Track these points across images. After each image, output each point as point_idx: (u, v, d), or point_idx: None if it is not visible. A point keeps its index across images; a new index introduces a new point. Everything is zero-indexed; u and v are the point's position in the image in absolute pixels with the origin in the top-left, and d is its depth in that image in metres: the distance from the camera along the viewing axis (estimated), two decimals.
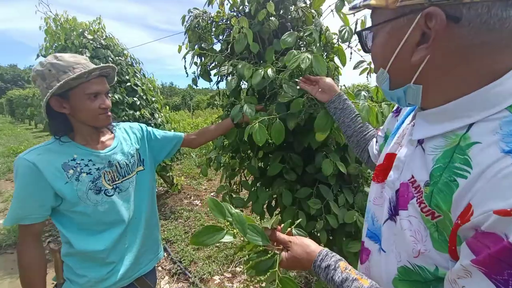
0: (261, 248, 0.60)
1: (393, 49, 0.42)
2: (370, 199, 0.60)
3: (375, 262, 0.54)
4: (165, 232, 2.73)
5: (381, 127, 0.75)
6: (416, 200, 0.42)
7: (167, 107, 3.68)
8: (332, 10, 0.98)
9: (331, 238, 1.27)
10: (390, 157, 0.55)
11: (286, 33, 0.97)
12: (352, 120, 0.83)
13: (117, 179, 0.93)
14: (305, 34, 0.99)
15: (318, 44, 0.98)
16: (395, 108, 0.67)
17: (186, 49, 1.44)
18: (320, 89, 0.89)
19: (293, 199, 1.18)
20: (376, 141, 0.74)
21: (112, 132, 1.00)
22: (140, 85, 2.92)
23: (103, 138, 0.95)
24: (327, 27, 1.04)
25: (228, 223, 0.56)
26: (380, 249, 0.52)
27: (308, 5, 1.14)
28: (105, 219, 0.89)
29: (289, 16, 1.13)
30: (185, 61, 1.25)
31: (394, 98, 0.48)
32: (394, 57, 0.42)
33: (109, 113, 0.90)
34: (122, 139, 0.99)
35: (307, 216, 1.16)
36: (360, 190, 1.25)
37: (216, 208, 0.57)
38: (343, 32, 0.96)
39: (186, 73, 1.26)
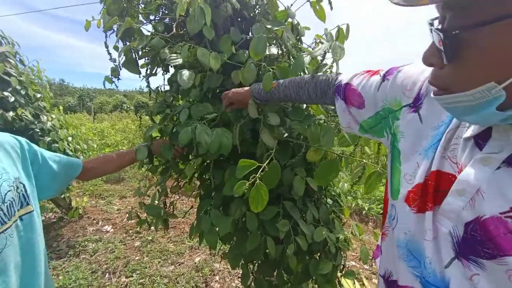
0: None
1: None
2: (410, 231, 0.46)
3: None
4: (60, 277, 1.99)
5: (354, 84, 0.59)
6: None
7: (60, 108, 2.80)
8: (308, 0, 0.85)
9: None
10: (440, 176, 0.42)
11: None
12: (293, 97, 0.75)
13: None
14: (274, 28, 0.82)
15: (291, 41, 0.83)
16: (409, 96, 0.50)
17: (98, 26, 1.03)
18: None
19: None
20: (346, 103, 0.61)
21: None
22: (15, 74, 2.08)
23: None
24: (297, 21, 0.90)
25: None
26: None
27: None
28: None
29: (253, 2, 0.93)
30: (106, 38, 0.86)
31: (490, 119, 0.35)
32: None
33: None
34: None
35: (274, 240, 0.98)
36: (323, 203, 1.16)
37: None
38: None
39: (109, 54, 0.86)
